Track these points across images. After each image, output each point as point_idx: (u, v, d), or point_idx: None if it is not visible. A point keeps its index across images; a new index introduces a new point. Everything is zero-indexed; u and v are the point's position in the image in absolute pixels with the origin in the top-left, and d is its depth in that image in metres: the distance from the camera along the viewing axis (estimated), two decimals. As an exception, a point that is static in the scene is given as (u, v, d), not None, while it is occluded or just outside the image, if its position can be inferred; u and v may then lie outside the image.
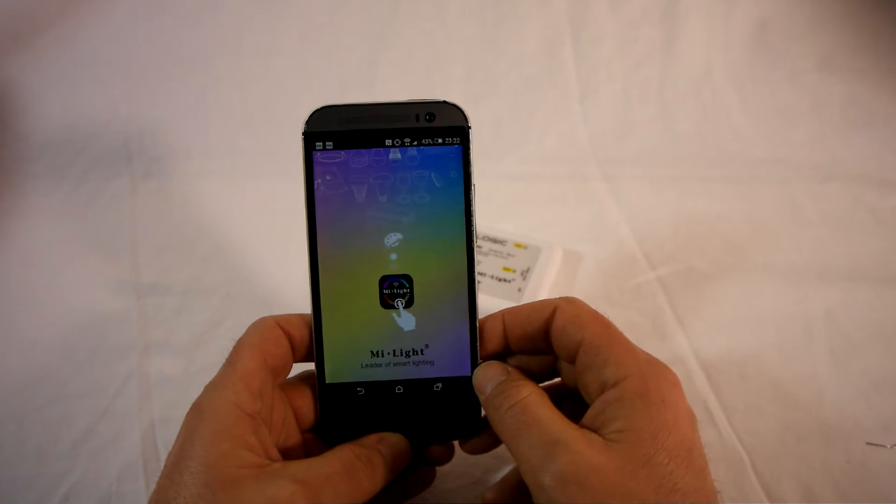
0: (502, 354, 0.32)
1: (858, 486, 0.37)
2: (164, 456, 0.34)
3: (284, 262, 0.49)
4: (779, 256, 0.50)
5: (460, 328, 0.32)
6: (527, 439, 0.27)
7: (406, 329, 0.32)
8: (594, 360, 0.28)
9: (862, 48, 0.64)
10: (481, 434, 0.33)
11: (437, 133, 0.31)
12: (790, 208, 0.54)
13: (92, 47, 0.65)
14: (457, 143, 0.31)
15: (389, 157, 0.31)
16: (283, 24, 0.67)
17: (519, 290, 0.46)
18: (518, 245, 0.48)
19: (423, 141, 0.31)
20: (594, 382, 0.28)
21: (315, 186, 0.31)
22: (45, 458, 0.40)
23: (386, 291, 0.31)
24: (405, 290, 0.32)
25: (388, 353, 0.32)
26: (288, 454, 0.30)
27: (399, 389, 0.32)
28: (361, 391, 0.32)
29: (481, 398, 0.31)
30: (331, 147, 0.31)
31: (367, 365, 0.32)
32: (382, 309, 0.32)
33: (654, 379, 0.27)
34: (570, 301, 0.31)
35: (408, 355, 0.32)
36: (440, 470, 0.35)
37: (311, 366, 0.32)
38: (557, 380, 0.33)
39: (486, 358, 0.32)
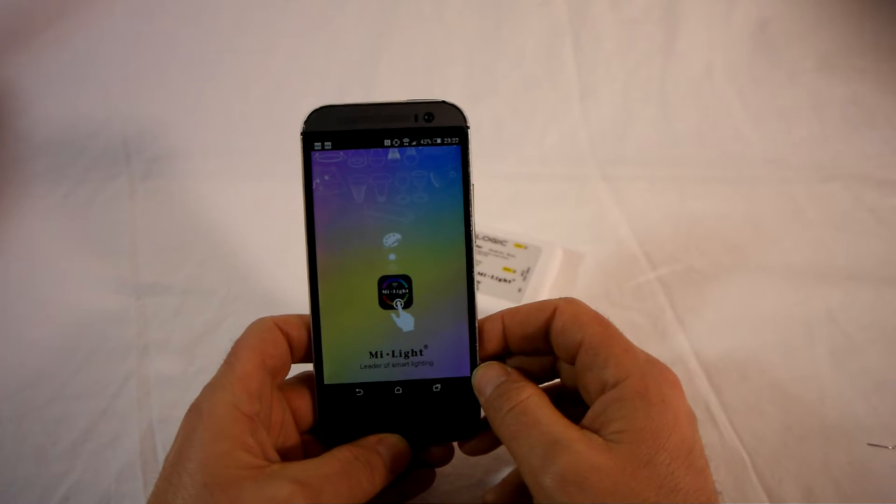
0: (502, 355, 0.32)
1: (859, 486, 0.37)
2: (162, 456, 0.34)
3: (283, 262, 0.49)
4: (779, 256, 0.50)
5: (459, 329, 0.32)
6: (527, 440, 0.27)
7: (405, 330, 0.32)
8: (594, 361, 0.28)
9: (862, 48, 0.64)
10: (481, 435, 0.32)
11: (435, 133, 0.31)
12: (790, 208, 0.54)
13: (91, 47, 0.65)
14: (456, 144, 0.31)
15: (388, 157, 0.31)
16: (283, 24, 0.67)
17: (519, 290, 0.46)
18: (518, 245, 0.48)
19: (422, 141, 0.31)
20: (594, 383, 0.28)
21: (314, 186, 0.31)
22: (44, 458, 0.40)
23: (385, 292, 0.31)
24: (404, 291, 0.31)
25: (387, 354, 0.32)
26: (286, 455, 0.30)
27: (398, 390, 0.32)
28: (360, 392, 0.32)
29: (481, 399, 0.31)
30: (329, 147, 0.31)
31: (365, 366, 0.32)
32: (381, 309, 0.31)
33: (654, 379, 0.27)
34: (569, 301, 0.31)
35: (407, 356, 0.32)
36: (440, 471, 0.35)
37: (309, 367, 0.32)
38: (557, 381, 0.33)
39: (486, 359, 0.32)
